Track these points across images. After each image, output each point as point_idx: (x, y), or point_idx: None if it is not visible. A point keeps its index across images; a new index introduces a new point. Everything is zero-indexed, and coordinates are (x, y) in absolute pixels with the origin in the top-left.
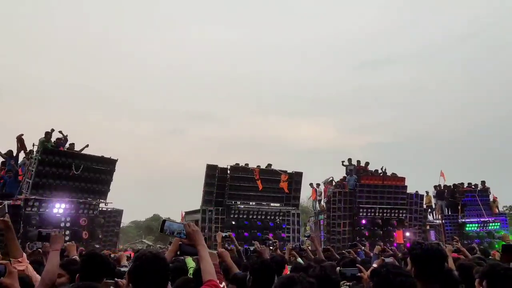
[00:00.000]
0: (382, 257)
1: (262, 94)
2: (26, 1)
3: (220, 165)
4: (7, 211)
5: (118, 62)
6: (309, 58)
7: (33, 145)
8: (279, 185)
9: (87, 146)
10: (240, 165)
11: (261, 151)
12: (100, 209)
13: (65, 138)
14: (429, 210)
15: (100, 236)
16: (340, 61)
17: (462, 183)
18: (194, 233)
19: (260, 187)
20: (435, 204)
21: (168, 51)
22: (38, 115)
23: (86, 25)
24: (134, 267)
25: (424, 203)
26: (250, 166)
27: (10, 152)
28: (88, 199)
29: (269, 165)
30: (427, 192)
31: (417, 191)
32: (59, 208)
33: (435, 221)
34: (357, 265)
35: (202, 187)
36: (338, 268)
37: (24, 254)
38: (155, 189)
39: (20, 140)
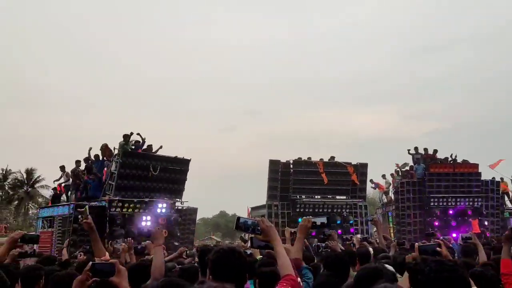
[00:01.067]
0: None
1: (315, 87)
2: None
3: (282, 160)
4: (88, 213)
5: (171, 61)
6: (363, 45)
7: (114, 149)
8: (344, 177)
9: (161, 147)
10: (302, 159)
11: (320, 145)
12: (176, 207)
13: (143, 141)
14: (506, 197)
15: (178, 234)
16: (396, 47)
17: None
18: (268, 228)
19: (326, 180)
20: None
21: (215, 51)
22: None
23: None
24: (213, 259)
25: (500, 189)
26: (312, 159)
27: (97, 156)
28: (165, 198)
29: (332, 157)
30: (502, 179)
31: (493, 178)
32: (139, 208)
33: None
34: (436, 240)
35: (266, 182)
36: (416, 244)
37: (107, 253)
38: (218, 187)
39: (105, 148)
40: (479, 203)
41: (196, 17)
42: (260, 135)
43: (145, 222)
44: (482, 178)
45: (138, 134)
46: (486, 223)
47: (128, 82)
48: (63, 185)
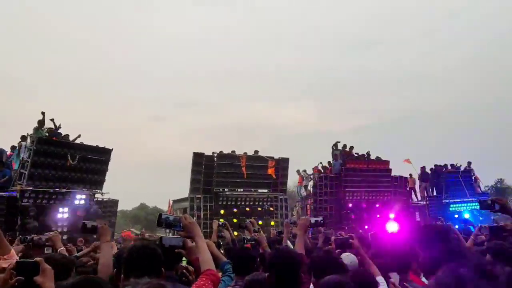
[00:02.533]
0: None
1: (246, 80)
2: None
3: (207, 153)
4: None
5: (110, 53)
6: (293, 42)
7: (27, 134)
8: (266, 171)
9: (79, 136)
10: (225, 152)
11: (247, 138)
12: (96, 199)
13: (57, 128)
14: (413, 192)
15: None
16: (323, 44)
17: (446, 164)
18: (191, 225)
19: (245, 174)
20: (420, 185)
21: (151, 40)
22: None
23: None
24: (127, 257)
25: (409, 185)
26: (237, 153)
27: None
28: (84, 189)
29: (256, 151)
30: (410, 175)
31: (401, 175)
32: (55, 199)
33: (419, 202)
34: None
35: (190, 175)
36: (333, 237)
37: (13, 250)
38: (140, 178)
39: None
40: (388, 198)
41: (134, 5)
42: (188, 127)
43: (62, 214)
44: (392, 174)
45: (51, 120)
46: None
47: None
48: None
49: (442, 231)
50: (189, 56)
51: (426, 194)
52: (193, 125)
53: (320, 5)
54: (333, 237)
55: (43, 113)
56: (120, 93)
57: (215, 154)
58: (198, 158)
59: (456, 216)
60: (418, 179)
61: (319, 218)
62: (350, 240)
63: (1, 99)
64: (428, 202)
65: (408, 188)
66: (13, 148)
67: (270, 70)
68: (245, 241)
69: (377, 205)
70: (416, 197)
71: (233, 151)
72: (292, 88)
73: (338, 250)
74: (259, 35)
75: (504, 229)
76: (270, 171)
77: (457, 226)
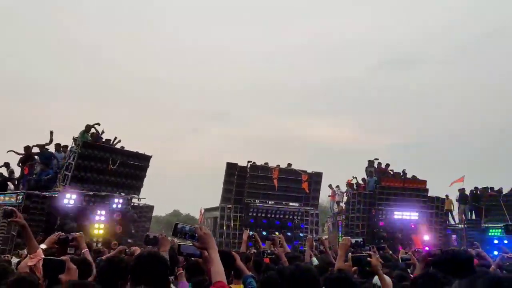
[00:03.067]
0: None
1: (282, 93)
2: None
3: (240, 164)
4: (16, 210)
5: (146, 60)
6: (327, 57)
7: (74, 138)
8: (299, 185)
9: (119, 141)
10: (259, 164)
11: (282, 151)
12: (133, 204)
13: (100, 133)
14: (450, 214)
15: (132, 231)
16: (359, 60)
17: (487, 187)
18: (205, 236)
19: (276, 186)
20: (458, 207)
21: (183, 56)
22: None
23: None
24: (133, 266)
25: (445, 207)
26: (270, 165)
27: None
28: (122, 193)
29: (289, 164)
30: (447, 196)
31: (437, 196)
32: (94, 202)
33: (457, 225)
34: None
35: (222, 185)
36: (350, 254)
37: (39, 249)
38: (175, 185)
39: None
40: (424, 219)
41: (177, 22)
42: (227, 139)
43: (99, 216)
44: (429, 194)
45: (97, 124)
46: (427, 238)
47: (98, 75)
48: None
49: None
50: (227, 68)
51: (464, 217)
52: (228, 137)
53: (360, 18)
54: (350, 254)
55: (97, 124)
56: (158, 103)
57: (249, 165)
58: (231, 168)
59: (496, 241)
60: (456, 200)
61: (360, 239)
62: (369, 258)
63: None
64: (466, 226)
65: (445, 210)
66: (57, 146)
67: (309, 83)
68: (265, 255)
69: (412, 226)
70: (454, 220)
71: (266, 163)
72: (330, 102)
73: (355, 268)
74: (292, 49)
75: None
76: (304, 185)
77: (496, 253)
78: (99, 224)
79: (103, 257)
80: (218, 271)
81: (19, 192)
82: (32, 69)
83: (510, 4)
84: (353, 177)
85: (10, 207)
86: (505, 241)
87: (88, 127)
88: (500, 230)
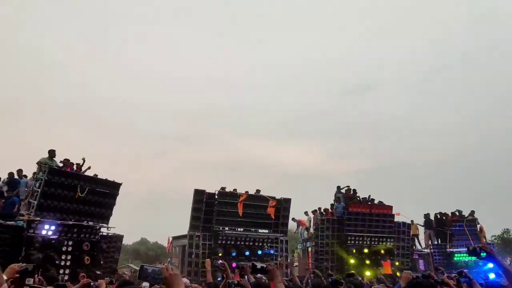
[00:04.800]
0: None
1: (249, 117)
2: None
3: (208, 190)
4: None
5: (111, 81)
6: (292, 85)
7: (38, 164)
8: (266, 210)
9: (89, 168)
10: (228, 190)
11: (248, 176)
12: (102, 233)
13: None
14: (416, 239)
15: (101, 262)
16: (323, 86)
17: (451, 212)
18: (171, 277)
19: (241, 212)
20: (424, 232)
21: (150, 76)
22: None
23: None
24: None
25: (411, 232)
26: (238, 191)
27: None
28: (90, 223)
29: (258, 190)
30: (412, 221)
31: (404, 221)
32: (61, 231)
33: (423, 250)
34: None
35: (190, 212)
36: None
37: (5, 285)
38: (140, 213)
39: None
40: (391, 244)
41: (133, 40)
42: (188, 162)
43: (66, 247)
44: (395, 219)
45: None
46: (397, 263)
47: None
48: None
49: None
50: (190, 92)
51: (430, 242)
52: (195, 161)
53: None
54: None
55: (54, 151)
56: (121, 125)
57: (217, 192)
58: (199, 195)
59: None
60: (422, 225)
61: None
62: None
63: None
64: (432, 250)
65: (411, 235)
66: (19, 172)
67: (276, 109)
68: (232, 286)
69: (382, 251)
70: (420, 245)
71: (235, 190)
72: (296, 128)
73: None
74: (259, 76)
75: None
76: (270, 210)
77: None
78: (66, 255)
79: None
80: None
81: None
82: None
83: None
84: (317, 208)
85: None
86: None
87: (52, 154)
88: (465, 255)
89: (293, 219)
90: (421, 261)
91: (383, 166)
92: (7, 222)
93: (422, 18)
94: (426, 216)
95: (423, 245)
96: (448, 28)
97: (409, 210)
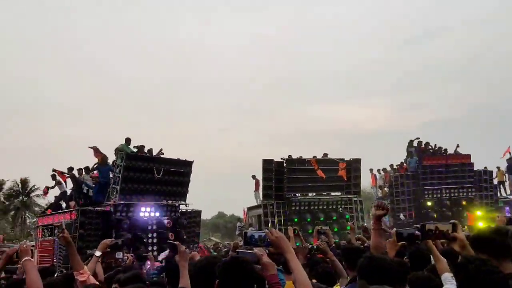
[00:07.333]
0: None
1: (310, 83)
2: None
3: (276, 159)
4: (64, 228)
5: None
6: (350, 39)
7: (116, 151)
8: (337, 173)
9: (161, 150)
10: (293, 157)
11: (314, 142)
12: (181, 210)
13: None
14: (502, 185)
15: (184, 237)
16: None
17: None
18: (278, 239)
19: (324, 176)
20: (509, 178)
21: (211, 51)
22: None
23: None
24: (219, 273)
25: (497, 178)
26: (305, 157)
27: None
28: (169, 201)
29: (325, 154)
30: (498, 168)
31: (485, 167)
32: (145, 212)
33: (508, 196)
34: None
35: (261, 182)
36: (394, 229)
37: (85, 267)
38: (214, 187)
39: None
40: (473, 193)
41: (189, 18)
42: (257, 134)
43: (151, 226)
44: (475, 168)
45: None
46: (479, 213)
47: (119, 87)
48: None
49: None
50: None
51: None
52: (260, 132)
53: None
54: (394, 229)
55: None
56: (186, 105)
57: (284, 160)
58: (268, 164)
59: None
60: (506, 172)
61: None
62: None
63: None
64: None
65: (496, 182)
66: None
67: (334, 70)
68: (312, 251)
69: (464, 203)
70: (505, 191)
71: (300, 157)
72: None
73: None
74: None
75: None
76: (341, 173)
77: None
78: (152, 233)
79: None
80: (300, 280)
81: (73, 210)
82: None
83: None
84: (389, 166)
85: (59, 224)
86: None
87: (128, 141)
88: None
89: (370, 170)
90: (507, 209)
91: (458, 115)
92: (96, 209)
93: None
94: (509, 161)
95: (508, 192)
96: None
97: (487, 158)
